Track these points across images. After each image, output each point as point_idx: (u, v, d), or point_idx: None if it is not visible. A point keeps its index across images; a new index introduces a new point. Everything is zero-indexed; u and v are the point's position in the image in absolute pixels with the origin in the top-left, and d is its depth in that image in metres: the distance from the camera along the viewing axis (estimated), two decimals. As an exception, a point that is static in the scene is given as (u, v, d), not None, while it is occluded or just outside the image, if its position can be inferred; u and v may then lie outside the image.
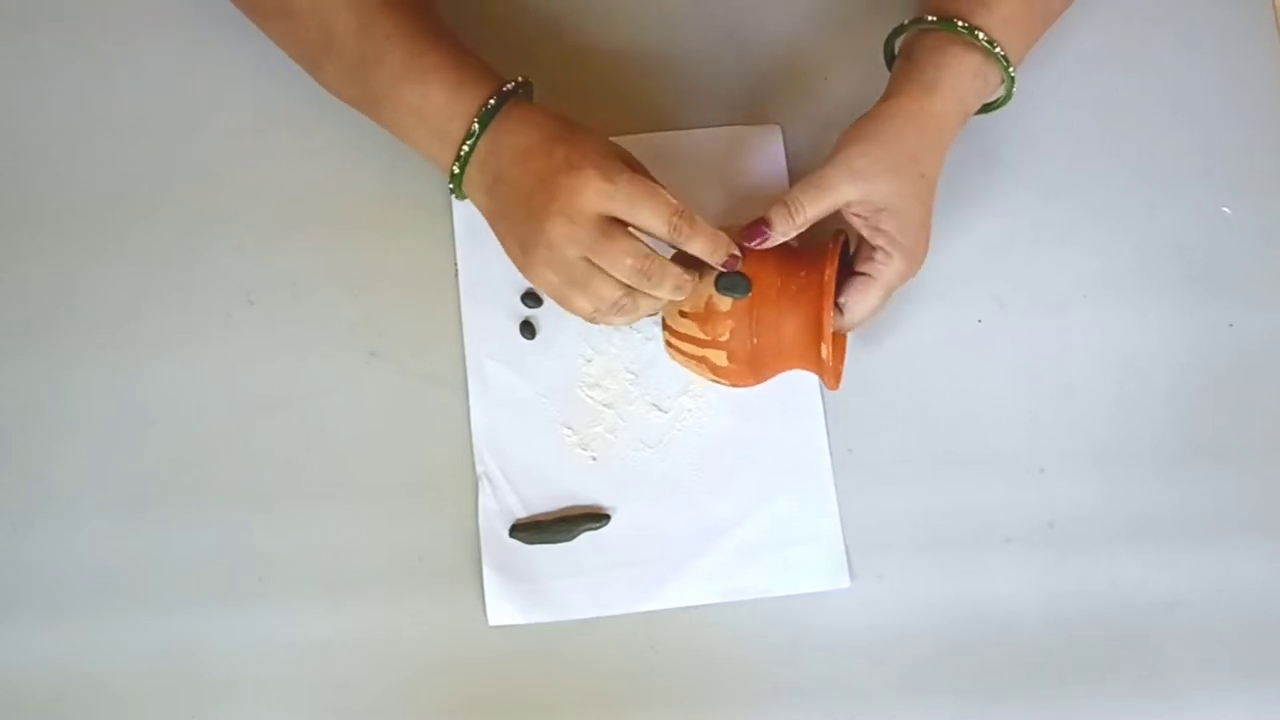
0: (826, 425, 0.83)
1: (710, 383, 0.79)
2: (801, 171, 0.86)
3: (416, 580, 0.81)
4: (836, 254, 0.75)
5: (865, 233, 0.76)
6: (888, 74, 0.81)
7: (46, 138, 0.86)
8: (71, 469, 0.82)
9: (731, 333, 0.75)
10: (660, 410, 0.83)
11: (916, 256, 0.76)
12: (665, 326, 0.78)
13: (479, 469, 0.82)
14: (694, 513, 0.82)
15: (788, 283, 0.75)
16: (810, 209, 0.73)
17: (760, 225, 0.74)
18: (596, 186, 0.70)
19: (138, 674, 0.80)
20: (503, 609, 0.80)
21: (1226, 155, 0.88)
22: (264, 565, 0.81)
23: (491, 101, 0.74)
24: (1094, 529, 0.82)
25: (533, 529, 0.81)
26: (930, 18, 0.78)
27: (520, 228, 0.73)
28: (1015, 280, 0.85)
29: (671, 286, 0.73)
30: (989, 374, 0.84)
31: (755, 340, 0.76)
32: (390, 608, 0.81)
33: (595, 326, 0.80)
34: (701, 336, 0.76)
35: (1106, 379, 0.84)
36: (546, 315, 0.84)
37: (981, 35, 0.76)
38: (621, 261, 0.71)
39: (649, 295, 0.74)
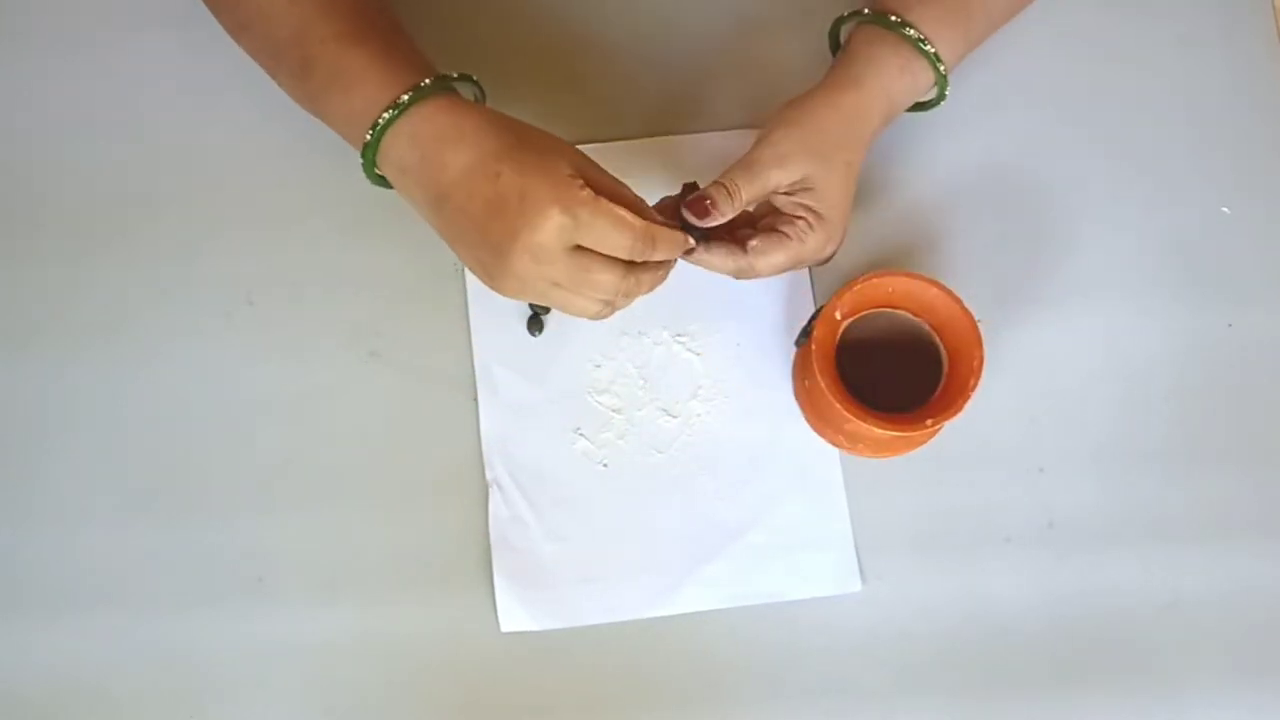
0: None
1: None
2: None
3: (418, 582, 0.81)
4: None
5: (788, 207, 0.76)
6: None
7: (46, 138, 0.86)
8: (71, 469, 0.82)
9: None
10: (670, 415, 0.83)
11: (835, 236, 0.77)
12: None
13: (489, 475, 0.82)
14: (705, 518, 0.82)
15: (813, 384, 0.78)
16: (745, 191, 0.74)
17: (704, 203, 0.74)
18: (558, 223, 0.66)
19: (138, 674, 0.80)
20: (515, 615, 0.80)
21: (1226, 155, 0.88)
22: (264, 565, 0.81)
23: (416, 87, 0.71)
24: (1094, 529, 0.82)
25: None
26: (866, 10, 0.79)
27: (481, 254, 0.70)
28: (1015, 280, 0.86)
29: (650, 284, 0.72)
30: (989, 374, 0.84)
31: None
32: (392, 610, 0.81)
33: (602, 331, 0.82)
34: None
35: (1106, 379, 0.85)
36: (554, 315, 0.84)
37: (912, 31, 0.76)
38: (599, 286, 0.70)
39: (639, 284, 0.72)
